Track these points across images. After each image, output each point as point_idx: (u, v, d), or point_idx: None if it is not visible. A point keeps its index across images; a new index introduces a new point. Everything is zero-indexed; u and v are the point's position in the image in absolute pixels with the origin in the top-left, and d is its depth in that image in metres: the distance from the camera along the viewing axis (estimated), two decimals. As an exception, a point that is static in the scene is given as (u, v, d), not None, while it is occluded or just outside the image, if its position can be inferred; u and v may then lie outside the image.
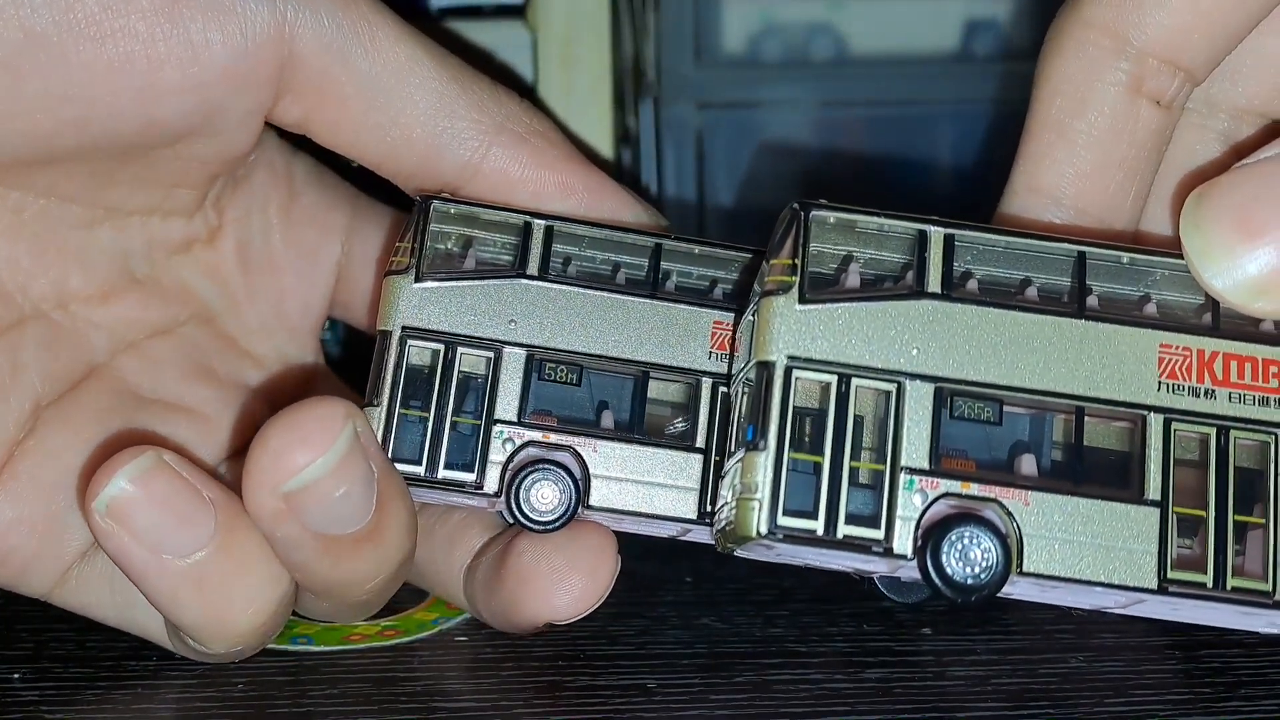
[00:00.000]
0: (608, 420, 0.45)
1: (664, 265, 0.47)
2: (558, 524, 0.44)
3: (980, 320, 0.41)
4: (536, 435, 0.44)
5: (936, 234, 0.42)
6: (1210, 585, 0.40)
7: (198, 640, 0.44)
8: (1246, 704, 0.43)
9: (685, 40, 0.68)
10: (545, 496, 0.44)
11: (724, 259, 0.47)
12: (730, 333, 0.46)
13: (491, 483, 0.44)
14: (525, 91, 0.68)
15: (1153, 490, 0.41)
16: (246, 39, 0.44)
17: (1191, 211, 0.41)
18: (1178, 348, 0.42)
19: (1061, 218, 0.44)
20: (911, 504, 0.40)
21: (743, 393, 0.43)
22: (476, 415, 0.44)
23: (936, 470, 0.40)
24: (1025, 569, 0.40)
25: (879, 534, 0.40)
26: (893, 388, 0.41)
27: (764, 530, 0.40)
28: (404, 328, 0.44)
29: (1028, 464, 0.41)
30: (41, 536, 0.45)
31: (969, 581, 0.40)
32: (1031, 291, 0.42)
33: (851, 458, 0.40)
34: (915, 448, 0.40)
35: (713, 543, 0.44)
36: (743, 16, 0.69)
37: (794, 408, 0.40)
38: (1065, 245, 0.42)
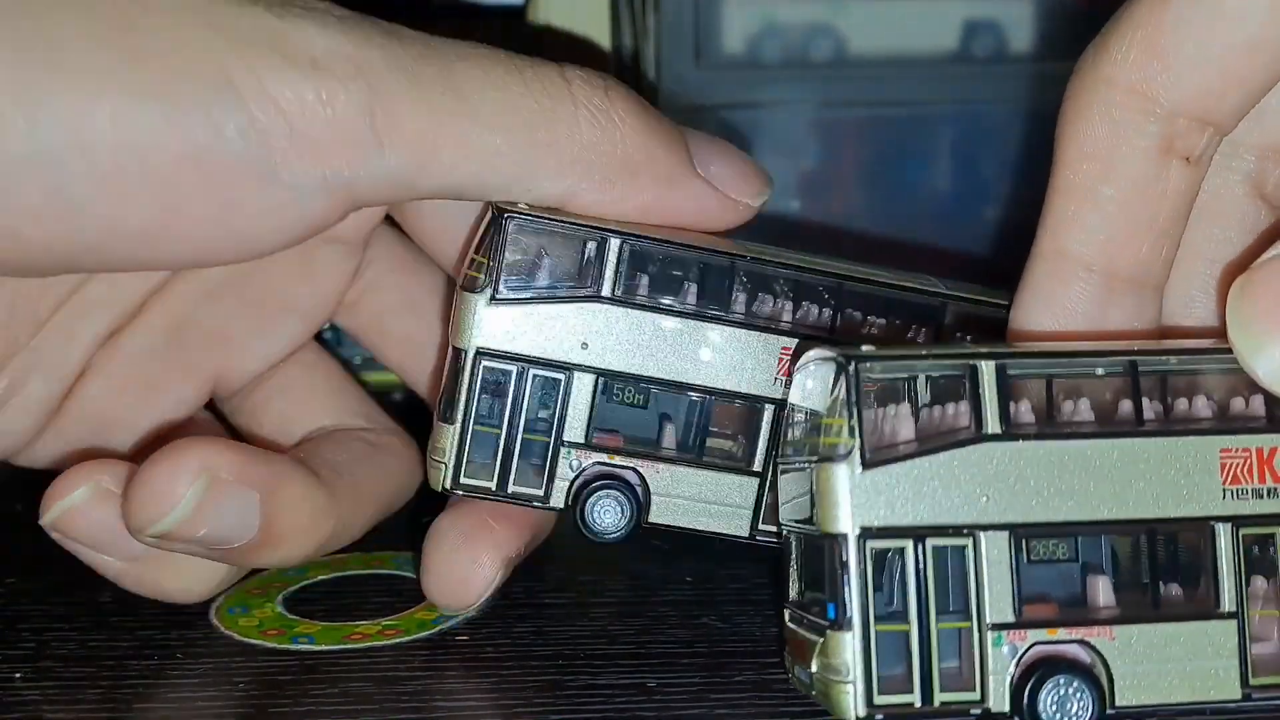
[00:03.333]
0: (671, 441, 0.47)
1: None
2: (619, 537, 0.47)
3: (1044, 455, 0.40)
4: (602, 456, 0.46)
5: (988, 368, 0.40)
6: None
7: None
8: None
9: (685, 40, 0.68)
10: (608, 512, 0.46)
11: (799, 278, 0.47)
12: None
13: (558, 498, 0.46)
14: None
15: (1228, 602, 0.40)
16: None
17: (1236, 307, 0.40)
18: (1237, 450, 0.41)
19: (1093, 282, 0.42)
20: (1002, 659, 0.39)
21: (800, 545, 0.42)
22: (547, 433, 0.46)
23: (1022, 622, 0.40)
24: (1119, 704, 0.40)
25: (975, 695, 0.39)
26: (968, 542, 0.39)
27: (862, 714, 0.39)
28: (479, 349, 0.45)
29: (1105, 593, 0.40)
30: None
31: None
32: (1084, 405, 0.41)
33: (936, 620, 0.39)
34: (999, 602, 0.39)
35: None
36: (743, 17, 0.69)
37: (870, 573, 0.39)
38: (1116, 357, 0.41)
